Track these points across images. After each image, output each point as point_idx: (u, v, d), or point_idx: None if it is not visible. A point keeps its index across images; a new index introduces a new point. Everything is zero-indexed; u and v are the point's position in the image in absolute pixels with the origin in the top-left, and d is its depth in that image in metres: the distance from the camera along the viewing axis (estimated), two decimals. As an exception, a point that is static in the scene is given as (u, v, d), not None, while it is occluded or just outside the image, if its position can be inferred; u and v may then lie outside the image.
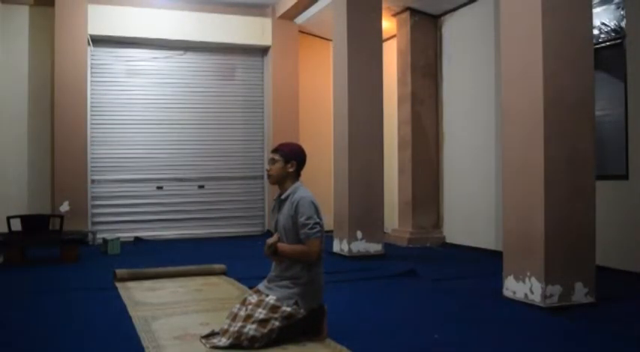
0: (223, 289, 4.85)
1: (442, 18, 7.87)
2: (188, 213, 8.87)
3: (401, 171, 8.00)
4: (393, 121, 8.19)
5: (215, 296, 4.54)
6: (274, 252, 3.30)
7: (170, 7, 8.66)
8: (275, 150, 3.46)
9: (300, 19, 9.11)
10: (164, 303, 4.27)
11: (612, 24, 5.47)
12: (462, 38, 7.51)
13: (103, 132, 8.50)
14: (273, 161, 3.42)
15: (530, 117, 4.17)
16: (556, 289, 4.03)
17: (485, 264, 6.02)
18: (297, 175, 3.44)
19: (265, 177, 8.99)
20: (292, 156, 3.41)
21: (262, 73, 9.45)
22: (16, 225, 6.36)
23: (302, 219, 3.24)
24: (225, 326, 3.22)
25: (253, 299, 3.30)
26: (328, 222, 6.43)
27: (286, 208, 3.33)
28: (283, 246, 3.30)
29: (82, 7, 8.11)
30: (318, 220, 3.27)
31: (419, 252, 7.11)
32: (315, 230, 3.24)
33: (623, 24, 5.37)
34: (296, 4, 8.45)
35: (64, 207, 7.83)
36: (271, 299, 3.21)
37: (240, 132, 9.27)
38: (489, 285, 4.73)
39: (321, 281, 3.36)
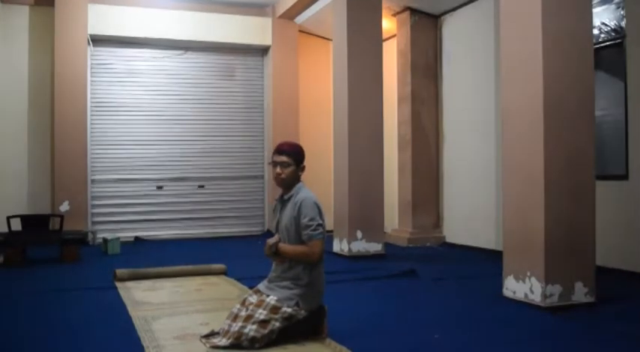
0: (223, 289, 4.85)
1: (442, 18, 7.86)
2: (188, 213, 8.87)
3: (401, 171, 8.00)
4: (393, 121, 8.19)
5: (215, 296, 4.54)
6: (275, 252, 3.29)
7: (170, 7, 8.66)
8: (284, 152, 3.33)
9: (300, 19, 9.11)
10: (164, 303, 4.27)
11: (612, 24, 5.47)
12: (462, 38, 7.51)
13: (103, 132, 8.50)
14: (285, 164, 3.31)
15: (530, 117, 4.17)
16: (556, 289, 4.03)
17: (485, 264, 6.02)
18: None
19: (266, 177, 9.10)
20: (302, 159, 3.38)
21: (262, 72, 9.44)
22: (16, 225, 6.36)
23: (305, 220, 3.23)
24: (226, 327, 3.21)
25: (253, 299, 3.30)
26: (328, 222, 6.43)
27: (289, 209, 3.32)
28: (284, 247, 3.29)
29: (82, 6, 8.10)
30: (320, 221, 3.26)
31: (419, 252, 7.12)
32: (317, 231, 3.23)
33: (623, 24, 5.36)
34: (296, 3, 8.44)
35: (64, 207, 7.83)
36: (272, 299, 3.21)
37: (240, 132, 9.26)
38: (489, 285, 4.73)
39: (322, 282, 3.36)
